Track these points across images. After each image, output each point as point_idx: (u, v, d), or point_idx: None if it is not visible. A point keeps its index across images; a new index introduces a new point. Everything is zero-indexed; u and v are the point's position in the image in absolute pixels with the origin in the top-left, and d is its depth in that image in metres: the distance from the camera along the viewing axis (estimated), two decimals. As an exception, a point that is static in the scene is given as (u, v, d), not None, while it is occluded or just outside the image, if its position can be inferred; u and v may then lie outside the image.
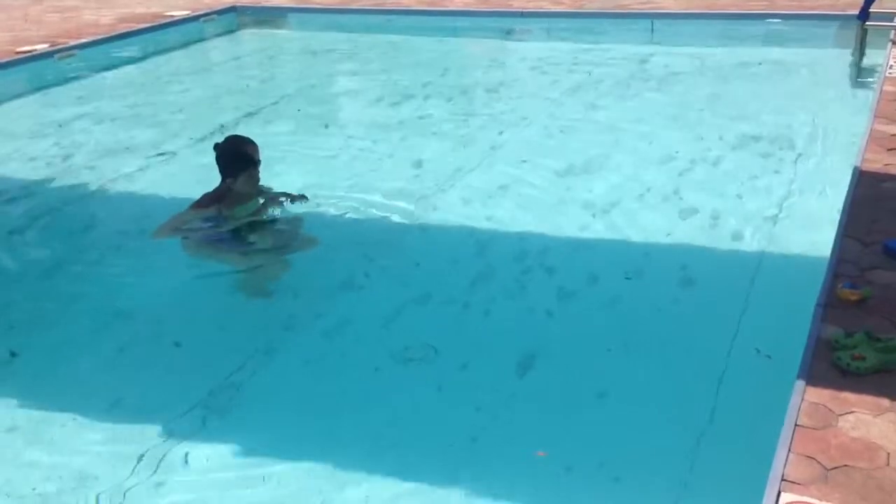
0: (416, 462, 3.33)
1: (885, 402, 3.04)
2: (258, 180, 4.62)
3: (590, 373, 3.88)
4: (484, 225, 5.37)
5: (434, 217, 5.46)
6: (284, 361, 4.06)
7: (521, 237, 5.24)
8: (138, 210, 5.75)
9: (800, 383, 3.15)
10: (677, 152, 6.43)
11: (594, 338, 4.13)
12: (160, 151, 6.90)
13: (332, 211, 5.44)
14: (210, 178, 4.63)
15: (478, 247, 5.14)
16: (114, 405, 3.73)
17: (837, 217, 4.69)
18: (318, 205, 5.32)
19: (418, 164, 6.40)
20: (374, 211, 5.57)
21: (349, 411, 3.65)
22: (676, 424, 3.43)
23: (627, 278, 4.65)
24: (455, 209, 5.61)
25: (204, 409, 3.67)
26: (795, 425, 2.93)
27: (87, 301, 4.68)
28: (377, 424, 3.55)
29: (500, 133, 7.12)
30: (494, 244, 5.18)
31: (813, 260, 4.41)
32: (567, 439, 3.45)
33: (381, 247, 5.14)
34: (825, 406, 3.03)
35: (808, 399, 3.07)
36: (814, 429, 2.91)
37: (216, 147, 4.58)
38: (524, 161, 6.39)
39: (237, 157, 4.51)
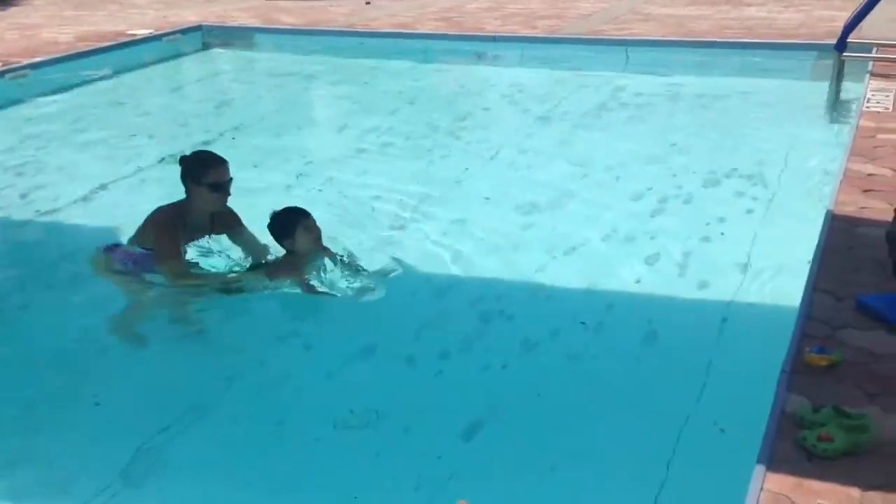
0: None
1: (855, 492, 2.74)
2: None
3: (542, 438, 3.57)
4: (440, 268, 5.05)
5: (387, 259, 5.15)
6: (216, 421, 3.72)
7: (479, 282, 4.93)
8: (71, 242, 5.41)
9: (759, 469, 2.85)
10: (647, 189, 6.16)
11: (550, 398, 3.82)
12: (103, 182, 6.54)
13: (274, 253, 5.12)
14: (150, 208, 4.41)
15: (433, 292, 4.83)
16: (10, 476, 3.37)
17: (808, 267, 4.43)
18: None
19: (374, 199, 6.09)
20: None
21: (284, 485, 3.32)
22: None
23: (582, 323, 4.35)
24: (410, 250, 5.28)
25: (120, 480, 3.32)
26: (755, 522, 2.63)
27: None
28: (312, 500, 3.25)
29: (466, 169, 6.83)
30: (450, 290, 4.86)
31: (782, 316, 4.11)
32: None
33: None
34: (787, 497, 2.73)
35: (768, 488, 2.77)
36: (774, 525, 2.61)
37: (181, 160, 4.39)
38: (487, 198, 6.11)
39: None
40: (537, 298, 4.75)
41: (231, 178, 4.39)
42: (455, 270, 5.02)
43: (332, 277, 4.59)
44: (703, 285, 4.77)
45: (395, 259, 5.00)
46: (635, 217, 5.69)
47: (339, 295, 4.49)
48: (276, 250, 4.67)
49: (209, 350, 4.35)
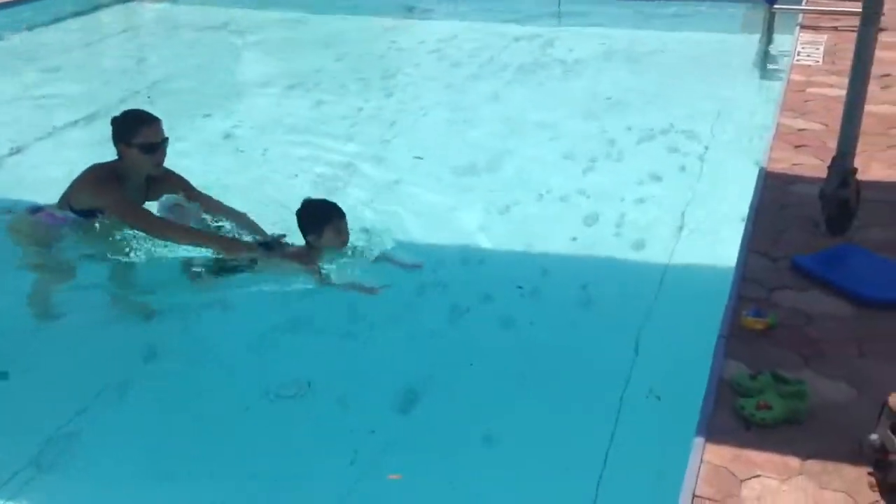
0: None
1: (794, 462, 2.69)
2: None
3: (478, 409, 3.44)
4: (370, 233, 4.87)
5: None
6: (138, 399, 3.51)
7: (410, 247, 4.74)
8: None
9: (699, 441, 2.78)
10: (582, 147, 6.07)
11: (484, 367, 3.69)
12: (15, 145, 6.16)
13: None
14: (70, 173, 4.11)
15: (362, 259, 4.65)
16: None
17: (742, 226, 4.38)
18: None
19: (302, 160, 5.85)
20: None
21: (211, 459, 3.15)
22: (568, 482, 3.02)
23: (519, 287, 4.24)
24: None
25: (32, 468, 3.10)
26: (693, 496, 2.55)
27: None
28: (242, 477, 3.06)
29: (393, 124, 6.62)
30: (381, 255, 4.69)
31: (718, 277, 4.06)
32: (450, 488, 3.03)
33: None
34: (727, 469, 2.66)
35: (707, 460, 2.70)
36: (715, 500, 2.54)
37: (112, 120, 4.06)
38: (419, 158, 5.92)
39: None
40: (470, 263, 4.62)
41: (166, 138, 4.07)
42: (385, 234, 4.83)
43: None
44: (638, 246, 4.69)
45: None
46: (570, 176, 5.59)
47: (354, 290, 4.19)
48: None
49: (129, 324, 4.11)
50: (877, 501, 2.51)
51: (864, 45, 3.91)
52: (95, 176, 4.06)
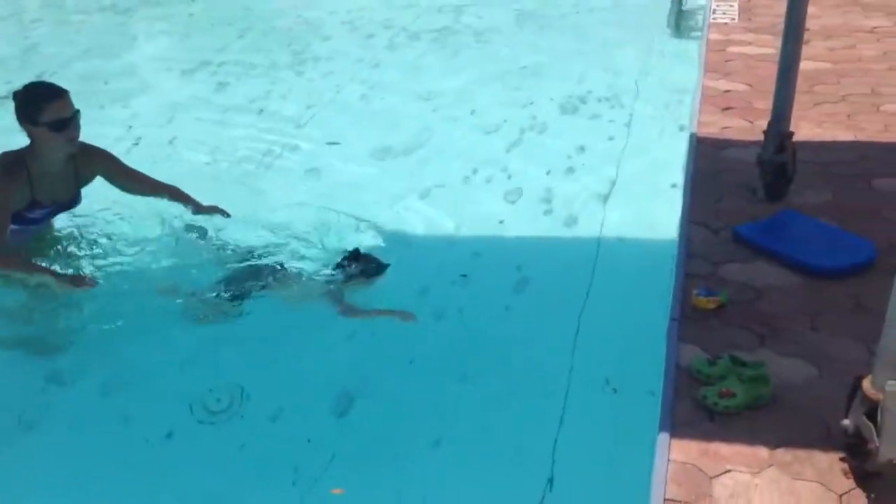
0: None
1: (763, 452, 2.55)
2: None
3: (419, 409, 3.24)
4: (290, 227, 4.55)
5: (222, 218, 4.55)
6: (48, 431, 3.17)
7: (333, 238, 4.46)
8: None
9: (663, 437, 2.61)
10: (504, 121, 5.84)
11: (423, 363, 3.48)
12: None
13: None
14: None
15: (287, 255, 4.33)
16: None
17: (680, 197, 4.24)
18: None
19: (212, 151, 5.48)
20: (142, 213, 4.59)
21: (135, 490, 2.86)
22: (518, 483, 2.83)
23: (463, 275, 4.01)
24: (249, 206, 4.69)
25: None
26: (664, 500, 2.39)
27: None
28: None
29: (306, 106, 6.27)
30: (300, 248, 4.37)
31: (657, 250, 3.94)
32: (396, 495, 2.82)
33: (160, 255, 4.23)
34: (696, 466, 2.51)
35: (674, 458, 2.54)
36: (686, 503, 2.38)
37: (14, 96, 3.59)
38: (335, 142, 5.61)
39: None
40: (396, 252, 4.34)
41: (77, 111, 3.61)
42: (305, 226, 4.51)
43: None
44: (570, 222, 4.53)
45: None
46: (493, 152, 5.37)
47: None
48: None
49: (34, 349, 3.71)
50: (853, 489, 2.39)
51: (796, 4, 3.78)
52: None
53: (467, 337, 3.64)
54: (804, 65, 4.15)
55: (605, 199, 4.71)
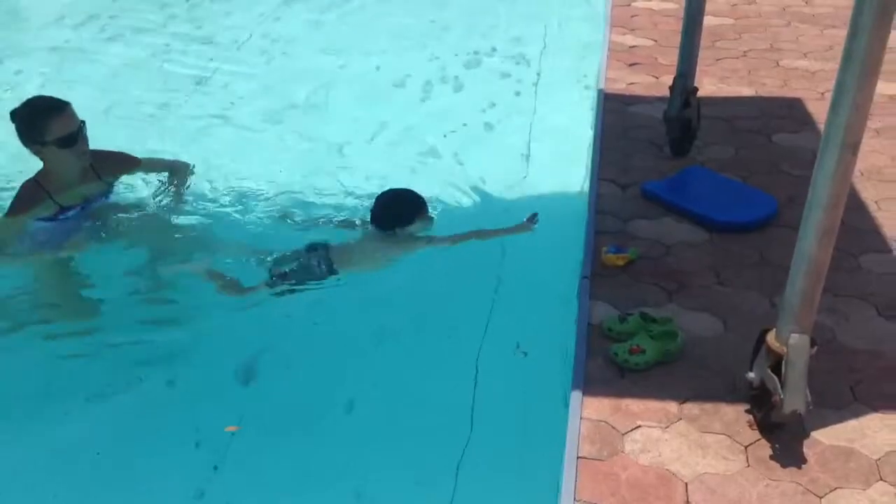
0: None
1: (672, 407, 2.59)
2: None
3: (331, 374, 3.18)
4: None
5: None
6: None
7: (229, 203, 4.23)
8: None
9: (576, 396, 2.62)
10: (408, 76, 5.73)
11: (336, 327, 3.40)
12: None
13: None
14: None
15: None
16: None
17: (588, 155, 4.25)
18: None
19: (106, 110, 5.20)
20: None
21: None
22: (433, 447, 2.81)
23: None
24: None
25: None
26: (578, 457, 2.40)
27: None
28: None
29: (210, 60, 6.02)
30: (191, 214, 4.17)
31: (569, 207, 3.93)
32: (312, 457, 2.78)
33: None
34: (608, 424, 2.53)
35: (587, 416, 2.55)
36: (599, 460, 2.40)
37: (12, 117, 3.35)
38: (233, 103, 5.40)
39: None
40: (306, 208, 4.21)
41: (82, 122, 3.40)
42: (198, 197, 4.30)
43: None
44: (480, 181, 4.45)
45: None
46: (401, 110, 5.26)
47: None
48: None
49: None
50: (758, 440, 2.45)
51: (700, -41, 3.79)
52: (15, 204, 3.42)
53: (381, 299, 3.57)
54: (707, 20, 4.18)
55: (515, 156, 4.67)
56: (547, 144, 4.77)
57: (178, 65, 6.01)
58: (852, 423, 2.50)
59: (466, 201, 4.31)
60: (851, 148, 2.11)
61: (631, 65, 5.34)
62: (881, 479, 2.30)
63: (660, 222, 3.61)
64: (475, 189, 4.34)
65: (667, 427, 2.51)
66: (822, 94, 4.83)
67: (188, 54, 6.21)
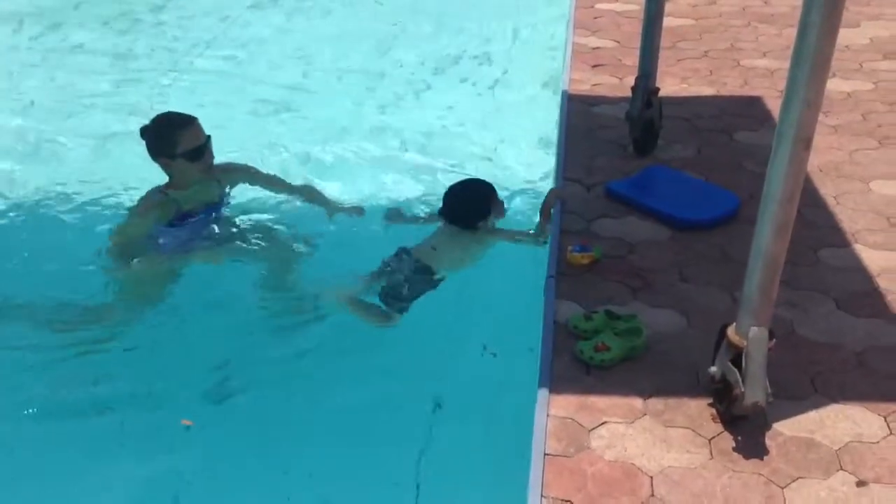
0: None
1: (637, 402, 2.62)
2: None
3: (296, 377, 3.17)
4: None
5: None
6: None
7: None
8: None
9: (543, 393, 2.65)
10: (377, 80, 5.74)
11: (301, 338, 3.40)
12: None
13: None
14: None
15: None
16: None
17: (553, 155, 4.29)
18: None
19: (68, 116, 5.17)
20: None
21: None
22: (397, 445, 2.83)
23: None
24: (112, 184, 4.45)
25: None
26: (545, 454, 2.43)
27: None
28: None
29: (169, 68, 6.00)
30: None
31: (535, 209, 3.95)
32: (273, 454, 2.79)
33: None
34: (574, 421, 2.55)
35: (554, 414, 2.58)
36: (565, 456, 2.42)
37: (142, 133, 3.51)
38: (201, 105, 5.37)
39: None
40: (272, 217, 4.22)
41: (209, 137, 3.53)
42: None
43: None
44: (445, 182, 4.42)
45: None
46: (365, 116, 5.28)
47: None
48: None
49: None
50: (721, 433, 2.49)
51: (659, -39, 3.84)
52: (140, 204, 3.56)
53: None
54: (668, 21, 4.24)
55: (480, 158, 4.70)
56: (512, 146, 4.81)
57: (138, 71, 5.97)
58: (813, 415, 2.54)
59: (434, 201, 4.33)
60: (804, 143, 2.15)
61: (594, 66, 5.39)
62: (841, 469, 2.35)
63: (624, 221, 3.65)
64: (440, 190, 4.34)
65: (632, 422, 2.54)
66: (782, 92, 4.85)
67: (151, 57, 6.16)
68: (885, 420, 2.52)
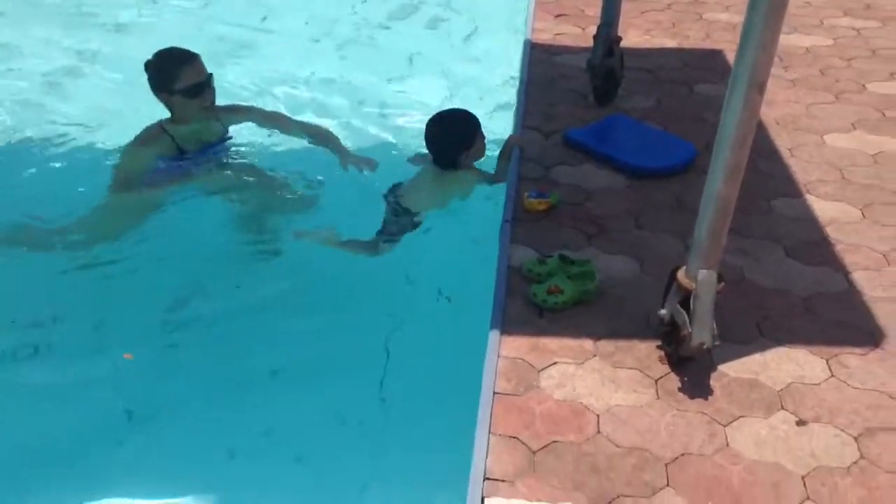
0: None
1: (588, 344, 2.65)
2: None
3: (253, 330, 3.14)
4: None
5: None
6: None
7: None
8: None
9: (494, 335, 2.66)
10: (335, 27, 5.65)
11: (255, 282, 3.38)
12: None
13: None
14: None
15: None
16: None
17: (514, 103, 4.27)
18: None
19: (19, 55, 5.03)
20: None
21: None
22: (355, 393, 2.83)
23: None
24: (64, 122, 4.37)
25: None
26: (494, 394, 2.45)
27: None
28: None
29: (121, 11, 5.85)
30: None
31: (494, 157, 3.94)
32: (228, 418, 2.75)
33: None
34: (525, 361, 2.58)
35: (505, 354, 2.60)
36: (514, 395, 2.45)
37: (146, 67, 3.47)
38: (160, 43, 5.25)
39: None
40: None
41: (210, 74, 3.51)
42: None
43: None
44: (403, 129, 4.45)
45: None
46: (328, 60, 5.20)
47: None
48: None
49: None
50: (668, 373, 2.53)
51: None
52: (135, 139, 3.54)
53: (301, 254, 3.55)
54: (632, -28, 4.22)
55: (441, 106, 4.65)
56: (472, 95, 4.77)
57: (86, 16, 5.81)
58: (757, 357, 2.59)
59: (395, 152, 4.30)
60: (758, 87, 2.15)
61: (557, 16, 5.36)
62: (782, 409, 2.40)
63: (581, 169, 3.65)
64: (401, 138, 4.33)
65: (582, 363, 2.57)
66: (743, 46, 4.91)
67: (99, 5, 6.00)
68: (828, 363, 2.57)
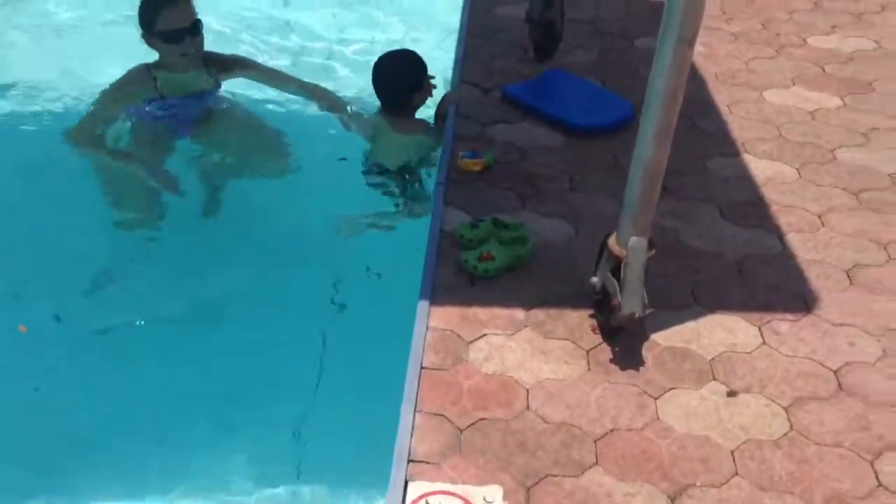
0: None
1: (519, 314, 2.58)
2: None
3: (182, 287, 3.06)
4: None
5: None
6: None
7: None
8: None
9: (423, 305, 2.58)
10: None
11: (192, 242, 3.26)
12: None
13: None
14: None
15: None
16: None
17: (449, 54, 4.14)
18: None
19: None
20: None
21: None
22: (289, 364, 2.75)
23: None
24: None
25: None
26: (421, 368, 2.38)
27: None
28: None
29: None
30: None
31: (430, 115, 3.82)
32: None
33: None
34: (454, 333, 2.50)
35: (434, 326, 2.52)
36: (442, 369, 2.38)
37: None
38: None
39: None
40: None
41: (197, 21, 3.24)
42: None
43: None
44: (348, 84, 4.29)
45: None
46: (270, 8, 5.00)
47: None
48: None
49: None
50: (599, 344, 2.48)
51: None
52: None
53: (232, 212, 3.43)
54: (575, -79, 4.08)
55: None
56: (413, 47, 4.61)
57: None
58: (690, 325, 2.55)
59: (313, 122, 4.13)
60: (687, 41, 2.06)
61: (499, -36, 5.18)
62: (714, 379, 2.37)
63: (518, 126, 3.56)
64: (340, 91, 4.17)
65: (512, 335, 2.51)
66: (687, -3, 4.81)
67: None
68: (760, 330, 2.54)
